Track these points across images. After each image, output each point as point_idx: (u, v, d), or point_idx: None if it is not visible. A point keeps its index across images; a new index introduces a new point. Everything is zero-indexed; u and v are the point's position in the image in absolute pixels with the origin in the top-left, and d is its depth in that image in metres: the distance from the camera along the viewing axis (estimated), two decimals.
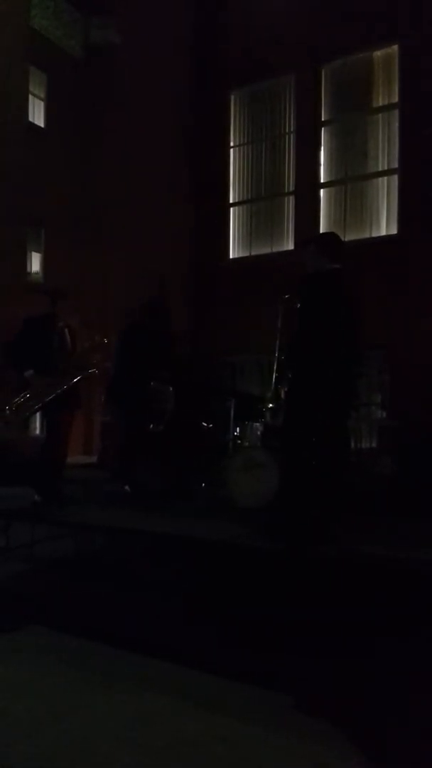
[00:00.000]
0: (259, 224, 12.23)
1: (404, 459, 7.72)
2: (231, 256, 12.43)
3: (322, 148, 11.46)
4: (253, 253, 12.20)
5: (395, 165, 10.77)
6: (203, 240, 12.12)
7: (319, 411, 4.24)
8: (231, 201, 12.45)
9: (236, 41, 11.82)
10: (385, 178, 10.97)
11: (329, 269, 4.47)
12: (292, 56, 11.34)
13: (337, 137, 11.46)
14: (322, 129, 11.49)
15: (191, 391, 7.16)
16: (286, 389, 5.56)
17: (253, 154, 12.31)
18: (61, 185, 10.97)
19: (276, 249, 11.86)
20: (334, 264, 4.52)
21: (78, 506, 5.83)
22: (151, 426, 6.63)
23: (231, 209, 12.46)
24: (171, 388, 6.66)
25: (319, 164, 11.46)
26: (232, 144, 12.45)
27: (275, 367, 5.85)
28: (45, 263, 11.26)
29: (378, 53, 10.98)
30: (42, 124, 11.29)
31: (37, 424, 9.81)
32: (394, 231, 10.77)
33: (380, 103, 11.04)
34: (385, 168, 10.96)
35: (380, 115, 11.04)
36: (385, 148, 11.00)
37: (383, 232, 10.93)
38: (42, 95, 11.32)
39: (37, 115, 11.28)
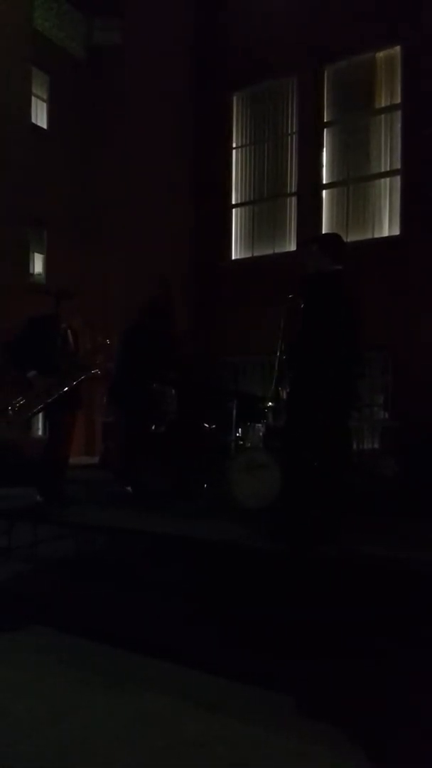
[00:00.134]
0: (261, 225, 12.23)
1: (406, 460, 7.72)
2: (233, 257, 12.44)
3: (325, 149, 11.47)
4: (255, 254, 12.20)
5: (398, 166, 10.77)
6: (205, 241, 12.12)
7: (319, 411, 4.24)
8: (233, 202, 12.46)
9: (238, 42, 11.83)
10: (388, 179, 10.97)
11: (330, 270, 4.48)
12: (294, 57, 11.35)
13: (339, 138, 11.46)
14: (325, 130, 11.49)
15: (193, 391, 7.16)
16: (286, 389, 5.58)
17: (255, 154, 12.32)
18: (64, 186, 10.99)
19: (278, 250, 11.86)
20: (336, 265, 4.52)
21: (80, 507, 5.84)
22: (153, 427, 6.63)
23: (233, 210, 12.47)
24: (173, 389, 6.66)
25: (322, 165, 11.47)
26: (234, 145, 12.46)
27: (276, 366, 5.85)
28: (47, 264, 11.28)
29: (380, 54, 10.99)
30: (44, 126, 11.32)
31: (40, 425, 9.82)
32: (396, 232, 10.77)
33: (383, 104, 11.04)
34: (388, 169, 10.96)
35: (383, 116, 11.04)
36: (387, 149, 11.00)
37: (386, 233, 10.93)
38: (44, 96, 11.35)
39: (39, 116, 11.30)
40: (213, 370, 10.49)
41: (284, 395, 5.81)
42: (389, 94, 10.97)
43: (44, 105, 11.36)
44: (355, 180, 11.26)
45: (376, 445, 9.98)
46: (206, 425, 7.20)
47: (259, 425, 6.90)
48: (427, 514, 5.34)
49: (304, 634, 3.38)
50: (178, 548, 4.66)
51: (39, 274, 11.32)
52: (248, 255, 12.33)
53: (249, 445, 6.78)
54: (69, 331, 5.99)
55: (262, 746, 2.41)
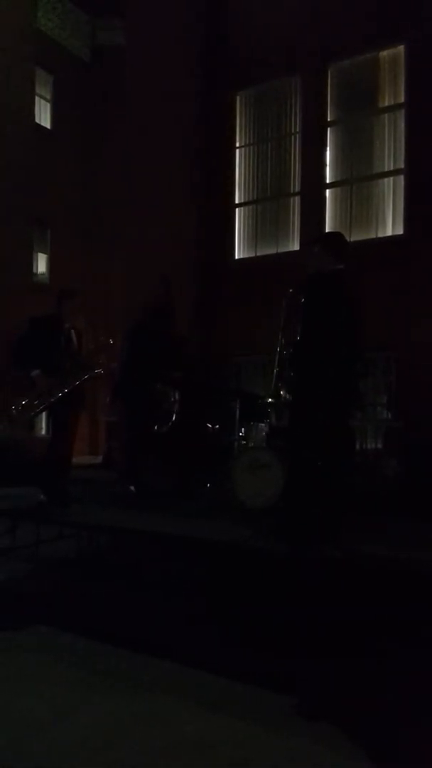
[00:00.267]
0: (265, 225, 12.22)
1: (409, 460, 7.72)
2: (236, 257, 12.43)
3: (328, 148, 11.45)
4: (258, 254, 12.19)
5: (401, 165, 10.75)
6: (208, 240, 12.11)
7: (320, 410, 4.24)
8: (236, 201, 12.44)
9: (241, 41, 11.82)
10: (391, 178, 10.95)
11: (332, 269, 4.48)
12: (297, 56, 11.34)
13: (342, 137, 11.45)
14: (328, 129, 11.47)
15: (196, 391, 7.17)
16: (285, 387, 5.58)
17: (258, 154, 12.31)
18: (67, 186, 11.02)
19: (281, 249, 11.85)
20: (339, 264, 4.52)
21: (83, 506, 5.85)
22: (156, 426, 6.64)
23: (236, 209, 12.46)
24: (175, 389, 6.66)
25: (325, 165, 11.44)
26: (237, 144, 12.45)
27: (276, 362, 5.85)
28: (51, 264, 11.31)
29: (384, 53, 10.96)
30: (48, 125, 11.35)
31: (43, 425, 9.84)
32: (399, 231, 10.75)
33: (386, 104, 11.02)
34: (391, 168, 10.94)
35: (386, 115, 11.02)
36: (390, 149, 10.98)
37: (389, 233, 10.91)
38: (48, 97, 11.37)
39: (43, 116, 11.33)
40: (216, 369, 10.50)
41: (284, 393, 5.82)
42: (393, 93, 10.95)
43: (48, 105, 11.38)
44: (358, 179, 11.24)
45: (379, 445, 9.97)
46: (209, 425, 7.21)
47: (263, 425, 6.91)
48: (429, 515, 5.33)
49: (305, 634, 3.38)
50: (181, 548, 4.66)
51: (42, 274, 11.35)
52: (251, 254, 12.32)
53: (252, 444, 6.78)
54: (72, 330, 6.00)
55: (263, 746, 2.41)
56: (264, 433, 6.87)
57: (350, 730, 2.47)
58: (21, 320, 6.21)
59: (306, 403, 4.38)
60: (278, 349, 5.73)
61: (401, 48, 10.69)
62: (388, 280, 9.78)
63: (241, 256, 12.39)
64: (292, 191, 11.89)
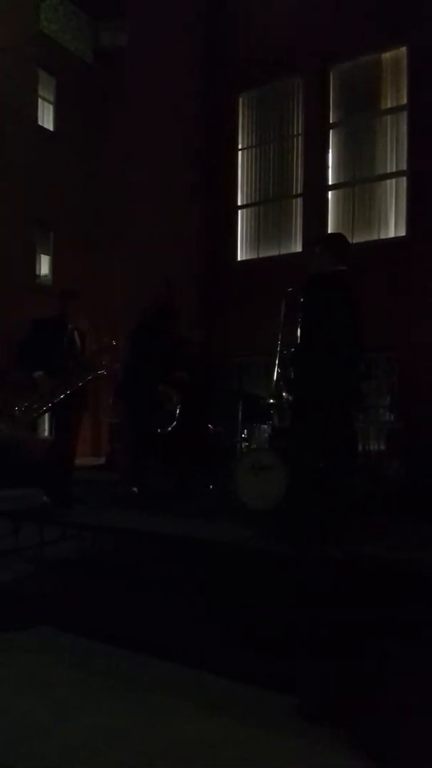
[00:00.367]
0: (267, 226, 12.23)
1: (411, 461, 7.72)
2: (238, 258, 12.44)
3: (330, 150, 11.46)
4: (261, 255, 12.20)
5: (404, 167, 10.75)
6: (211, 242, 12.13)
7: (320, 411, 4.25)
8: (238, 203, 12.46)
9: (243, 43, 11.84)
10: (394, 179, 10.95)
11: (333, 270, 4.49)
12: (299, 58, 11.35)
13: (345, 139, 11.45)
14: (330, 131, 11.48)
15: (198, 392, 7.18)
16: (286, 388, 5.59)
17: (260, 156, 12.32)
18: (70, 188, 11.04)
19: (284, 251, 11.86)
20: (341, 265, 4.53)
21: (86, 507, 5.86)
22: (159, 428, 6.65)
23: (239, 211, 12.47)
24: (177, 390, 6.67)
25: (327, 166, 11.45)
26: (239, 146, 12.47)
27: (276, 362, 5.86)
28: (54, 265, 11.33)
29: (386, 55, 10.97)
30: (51, 127, 11.37)
31: (46, 426, 9.86)
32: (402, 233, 10.75)
33: (389, 105, 11.02)
34: (394, 170, 10.95)
35: (389, 116, 11.03)
36: (393, 150, 10.99)
37: (391, 234, 10.91)
38: (51, 99, 11.39)
39: (45, 118, 11.35)
40: (219, 371, 10.51)
41: (285, 394, 5.82)
42: (395, 95, 10.95)
43: (50, 107, 11.41)
44: (360, 181, 11.25)
45: (382, 447, 9.97)
46: (212, 426, 7.22)
47: (265, 426, 6.92)
48: (430, 516, 5.34)
49: (306, 634, 3.39)
50: (183, 549, 4.67)
51: (45, 276, 11.37)
52: (253, 256, 12.33)
53: (255, 446, 6.79)
54: (75, 331, 6.01)
55: (264, 746, 2.42)
56: (267, 435, 6.87)
57: (350, 731, 2.48)
58: (24, 321, 6.23)
59: (306, 404, 4.39)
60: (278, 350, 5.75)
61: (403, 50, 10.69)
62: (390, 281, 9.79)
63: (244, 258, 12.40)
64: (294, 193, 11.90)
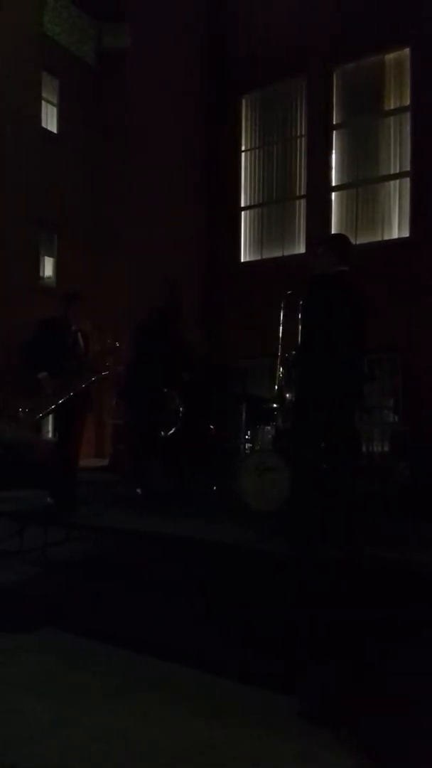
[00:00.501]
0: (271, 228, 12.25)
1: (415, 463, 7.70)
2: (242, 260, 12.46)
3: (334, 151, 11.47)
4: (265, 257, 12.22)
5: (407, 168, 10.75)
6: (214, 243, 12.15)
7: (321, 412, 4.25)
8: (242, 205, 12.48)
9: (246, 45, 11.87)
10: (397, 180, 10.96)
11: (335, 271, 4.49)
12: (302, 59, 11.37)
13: (348, 140, 11.46)
14: (334, 132, 11.49)
15: (202, 394, 7.19)
16: (288, 389, 5.59)
17: (264, 157, 12.34)
18: (74, 189, 11.05)
19: (287, 252, 11.87)
20: (343, 266, 4.53)
21: (90, 509, 5.87)
22: (162, 429, 6.66)
23: (242, 213, 12.49)
24: (180, 392, 6.68)
25: (331, 168, 11.47)
26: (243, 148, 12.49)
27: (278, 363, 5.87)
28: (58, 267, 11.34)
29: (389, 56, 10.97)
30: (54, 130, 11.38)
31: (50, 427, 9.87)
32: (406, 234, 10.75)
33: (392, 106, 11.03)
34: (397, 171, 10.95)
35: (392, 117, 11.03)
36: (396, 151, 10.99)
37: (395, 235, 10.91)
38: (55, 101, 11.40)
39: (49, 120, 11.36)
40: (223, 373, 10.51)
41: (287, 395, 5.83)
42: (398, 95, 10.96)
43: (54, 109, 11.42)
44: (364, 182, 11.25)
45: (386, 449, 9.94)
46: (215, 428, 7.22)
47: (269, 428, 6.92)
48: None
49: (307, 635, 3.38)
50: (185, 550, 4.68)
51: (49, 278, 11.38)
52: (257, 257, 12.34)
53: (258, 447, 6.79)
54: (79, 333, 6.02)
55: (264, 747, 2.42)
56: (270, 436, 6.88)
57: (352, 732, 2.48)
58: (28, 323, 6.24)
59: (307, 404, 4.40)
60: (280, 352, 5.75)
61: (407, 50, 10.71)
62: (394, 282, 9.79)
63: (247, 259, 12.42)
64: (297, 194, 11.92)
